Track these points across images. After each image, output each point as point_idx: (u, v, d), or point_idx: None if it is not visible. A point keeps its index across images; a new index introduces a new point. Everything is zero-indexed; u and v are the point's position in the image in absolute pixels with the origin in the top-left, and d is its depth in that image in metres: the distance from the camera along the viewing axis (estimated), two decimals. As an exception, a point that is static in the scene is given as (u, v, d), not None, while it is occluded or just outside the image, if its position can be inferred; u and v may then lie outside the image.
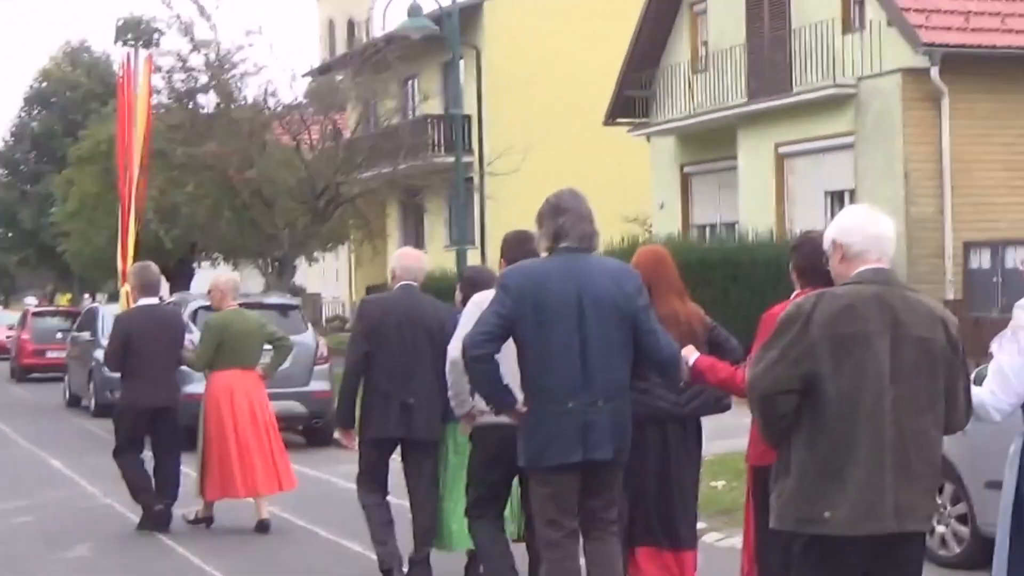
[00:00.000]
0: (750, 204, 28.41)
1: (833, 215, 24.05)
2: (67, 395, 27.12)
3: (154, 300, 12.96)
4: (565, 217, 7.21)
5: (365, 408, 9.63)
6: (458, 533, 9.41)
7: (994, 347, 5.77)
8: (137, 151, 14.00)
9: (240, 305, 19.57)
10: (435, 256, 39.45)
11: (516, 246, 8.37)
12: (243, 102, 27.30)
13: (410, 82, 40.49)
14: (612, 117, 33.13)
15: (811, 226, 25.65)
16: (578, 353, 7.08)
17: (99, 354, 21.44)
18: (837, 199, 26.74)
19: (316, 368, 19.04)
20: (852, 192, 26.01)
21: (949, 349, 5.40)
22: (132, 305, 13.21)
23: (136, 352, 12.49)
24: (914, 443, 5.31)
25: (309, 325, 19.70)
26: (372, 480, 9.72)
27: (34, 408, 26.96)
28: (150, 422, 12.71)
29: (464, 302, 8.97)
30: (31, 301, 60.34)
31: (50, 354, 35.13)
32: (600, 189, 35.41)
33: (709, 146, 30.57)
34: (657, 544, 8.10)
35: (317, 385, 19.10)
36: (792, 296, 7.00)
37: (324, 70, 38.44)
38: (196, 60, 27.63)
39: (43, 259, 62.33)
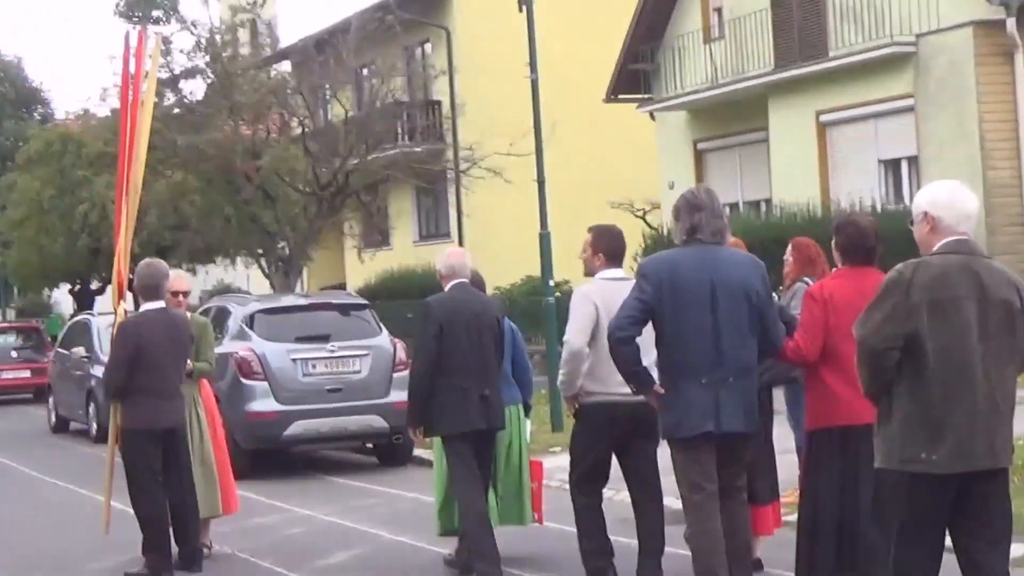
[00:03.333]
0: (785, 178, 26.32)
1: (889, 185, 22.03)
2: (53, 419, 24.33)
3: (160, 304, 10.82)
4: (701, 214, 7.90)
5: (442, 405, 9.89)
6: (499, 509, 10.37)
7: None
8: (142, 146, 11.49)
9: (307, 306, 17.35)
10: (402, 253, 37.01)
11: (610, 239, 9.25)
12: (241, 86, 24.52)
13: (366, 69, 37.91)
14: (615, 94, 30.90)
15: (864, 197, 23.73)
16: (711, 334, 7.76)
17: (98, 371, 18.98)
18: (892, 167, 24.76)
19: (396, 375, 16.48)
20: (914, 159, 24.02)
21: (1021, 308, 6.19)
22: (132, 311, 11.10)
23: (147, 365, 10.57)
24: (1000, 391, 6.16)
25: (382, 327, 17.18)
26: (470, 474, 9.93)
27: (16, 435, 24.07)
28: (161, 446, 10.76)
29: None
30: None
31: (5, 375, 32.31)
32: (599, 173, 33.66)
33: (728, 120, 28.49)
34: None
35: (398, 395, 16.19)
36: (832, 272, 8.23)
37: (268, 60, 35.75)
38: (185, 41, 24.92)
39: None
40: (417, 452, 17.34)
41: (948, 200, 6.33)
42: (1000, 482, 6.29)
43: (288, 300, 18.08)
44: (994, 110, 22.62)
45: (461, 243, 36.77)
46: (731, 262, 7.94)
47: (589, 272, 9.30)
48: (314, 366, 16.38)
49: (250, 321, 16.62)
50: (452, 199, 34.69)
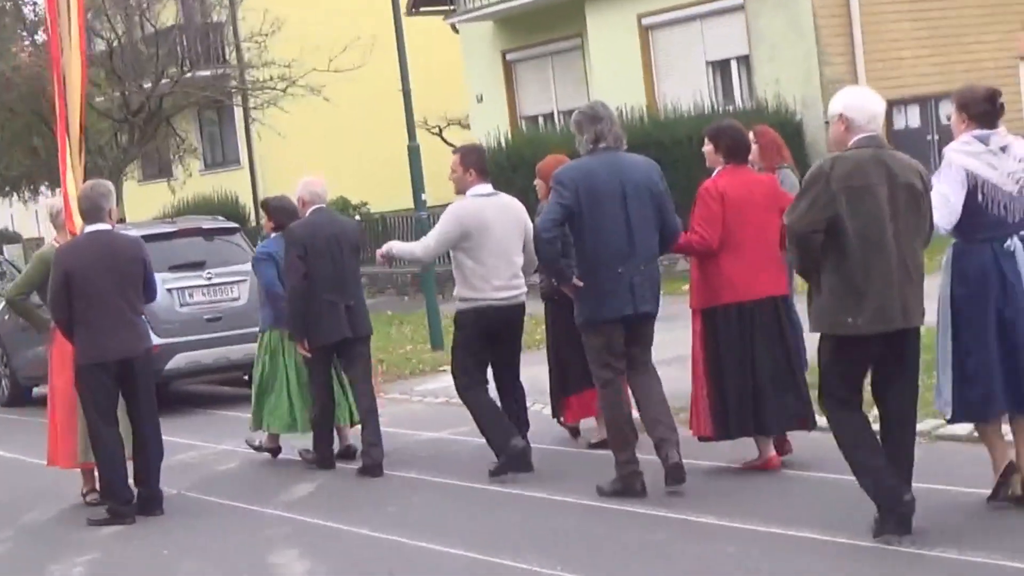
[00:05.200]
0: (606, 85, 25.78)
1: (718, 86, 21.69)
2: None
3: (103, 226, 9.92)
4: (602, 123, 8.90)
5: (312, 318, 10.78)
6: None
7: (934, 180, 7.49)
8: (74, 66, 10.56)
9: (175, 233, 16.17)
10: (187, 183, 35.37)
11: (478, 155, 10.28)
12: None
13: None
14: (416, 6, 29.99)
15: (693, 99, 23.44)
16: (624, 229, 8.75)
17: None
18: (720, 68, 24.52)
19: (274, 301, 15.48)
20: (744, 59, 23.83)
21: (923, 190, 7.31)
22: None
23: (81, 293, 9.71)
24: (911, 260, 7.23)
25: (255, 251, 16.11)
26: (325, 382, 11.00)
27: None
28: (117, 380, 9.86)
29: (276, 229, 11.37)
30: None
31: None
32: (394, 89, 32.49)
33: (539, 28, 27.89)
34: (588, 387, 9.86)
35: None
36: (716, 172, 9.17)
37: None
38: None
39: None
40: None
41: (860, 103, 7.37)
42: (912, 338, 7.40)
43: (154, 227, 16.88)
44: (826, 4, 22.56)
45: (252, 170, 35.55)
46: (634, 164, 8.94)
47: (460, 190, 10.08)
48: (191, 295, 15.35)
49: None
50: (243, 124, 33.41)
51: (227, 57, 26.41)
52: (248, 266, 15.60)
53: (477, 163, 10.08)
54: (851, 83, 22.43)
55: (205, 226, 16.36)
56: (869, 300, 7.14)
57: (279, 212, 11.46)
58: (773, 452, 9.27)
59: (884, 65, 22.77)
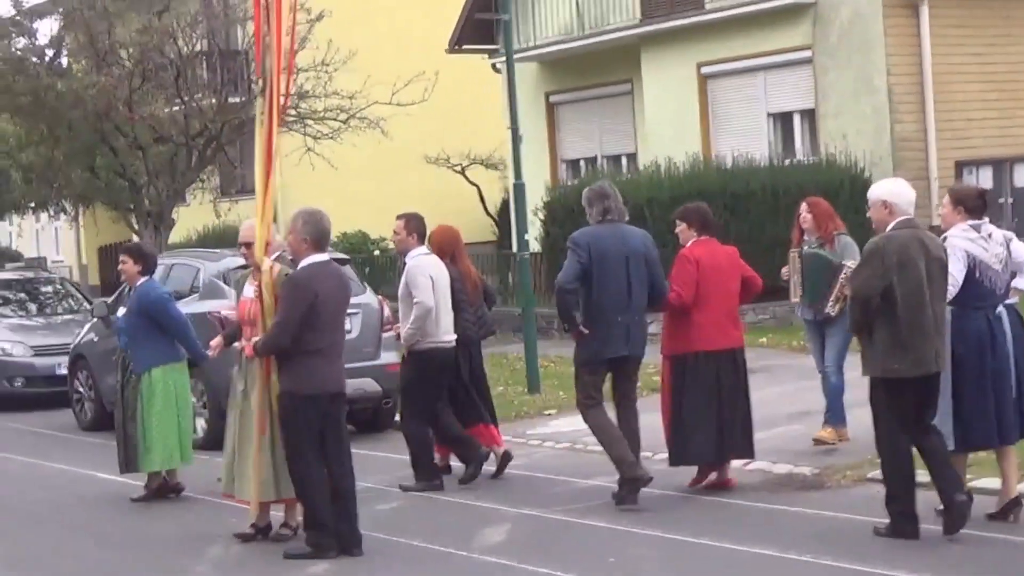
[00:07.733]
0: (659, 132, 25.66)
1: (778, 139, 21.37)
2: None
3: (325, 257, 9.84)
4: (610, 200, 10.96)
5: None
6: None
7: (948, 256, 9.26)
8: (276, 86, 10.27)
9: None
10: (203, 210, 34.76)
11: (419, 223, 12.11)
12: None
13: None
14: (459, 44, 29.73)
15: (751, 151, 23.18)
16: (625, 285, 10.78)
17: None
18: (781, 120, 24.39)
19: (384, 336, 15.20)
20: (807, 112, 23.72)
21: (946, 262, 9.19)
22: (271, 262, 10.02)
23: (319, 323, 9.53)
24: (941, 317, 9.15)
25: (365, 284, 15.82)
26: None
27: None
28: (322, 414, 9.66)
29: (144, 273, 12.33)
30: None
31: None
32: (432, 126, 32.20)
33: (586, 71, 27.67)
34: (481, 422, 12.33)
35: (388, 357, 15.12)
36: (690, 243, 11.17)
37: None
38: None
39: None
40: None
41: (899, 191, 9.36)
42: (936, 383, 9.22)
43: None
44: (899, 63, 22.48)
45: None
46: (633, 235, 11.01)
47: (404, 251, 11.99)
48: (304, 327, 14.96)
49: (225, 278, 15.09)
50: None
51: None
52: (359, 298, 15.32)
53: (418, 229, 11.99)
54: (921, 142, 22.47)
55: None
56: (911, 350, 9.00)
57: (151, 258, 12.62)
58: (730, 475, 11.27)
59: (953, 125, 22.71)
